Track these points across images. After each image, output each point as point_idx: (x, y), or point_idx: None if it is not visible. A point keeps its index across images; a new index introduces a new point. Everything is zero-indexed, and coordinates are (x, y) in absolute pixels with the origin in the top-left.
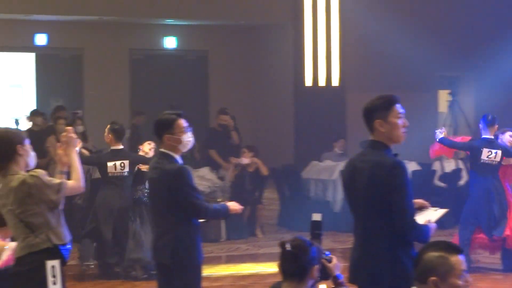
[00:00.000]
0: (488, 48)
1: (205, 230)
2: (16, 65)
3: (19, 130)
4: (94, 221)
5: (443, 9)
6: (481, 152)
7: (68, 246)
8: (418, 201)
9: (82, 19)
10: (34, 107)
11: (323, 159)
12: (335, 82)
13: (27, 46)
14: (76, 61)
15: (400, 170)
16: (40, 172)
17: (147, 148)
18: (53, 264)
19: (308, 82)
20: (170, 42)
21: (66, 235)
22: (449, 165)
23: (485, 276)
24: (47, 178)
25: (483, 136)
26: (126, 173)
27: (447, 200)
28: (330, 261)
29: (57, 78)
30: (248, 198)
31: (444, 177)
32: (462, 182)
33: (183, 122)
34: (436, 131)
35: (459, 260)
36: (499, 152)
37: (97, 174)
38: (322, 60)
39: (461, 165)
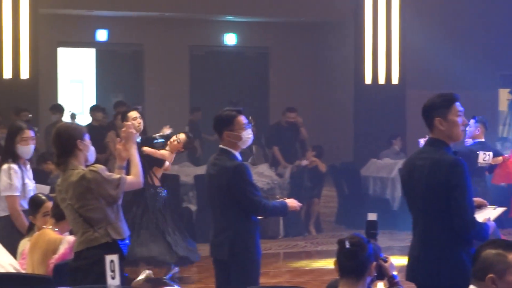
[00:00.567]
0: None
1: (263, 227)
2: (77, 61)
3: (80, 125)
4: None
5: (503, 7)
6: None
7: (127, 241)
8: (477, 199)
9: (142, 15)
10: (94, 103)
11: (381, 156)
12: (395, 80)
13: (88, 41)
14: (136, 57)
15: (460, 168)
16: (100, 167)
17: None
18: (112, 259)
19: (368, 79)
20: (230, 39)
21: (125, 230)
22: None
23: None
24: (106, 173)
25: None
26: None
27: (506, 199)
28: (385, 261)
29: (117, 74)
30: (307, 195)
31: None
32: None
33: (243, 119)
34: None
35: None
36: (491, 154)
37: None
38: (382, 58)
39: None
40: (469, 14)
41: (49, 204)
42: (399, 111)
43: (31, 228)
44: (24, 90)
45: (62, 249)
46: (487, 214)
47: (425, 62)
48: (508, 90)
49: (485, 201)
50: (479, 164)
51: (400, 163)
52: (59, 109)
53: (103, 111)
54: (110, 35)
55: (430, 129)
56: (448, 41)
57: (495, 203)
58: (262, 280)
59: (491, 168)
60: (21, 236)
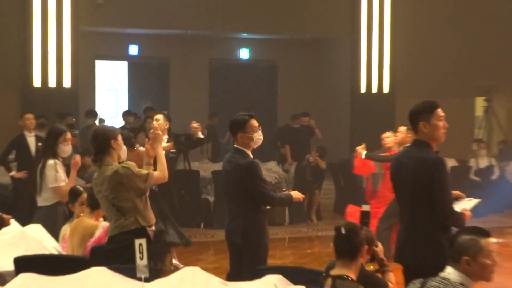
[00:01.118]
0: None
1: (271, 215)
2: (111, 72)
3: (114, 127)
4: None
5: (480, 27)
6: None
7: (153, 228)
8: (456, 192)
9: (168, 32)
10: (127, 108)
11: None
12: (386, 89)
13: (121, 55)
14: (163, 69)
15: (441, 165)
16: (131, 163)
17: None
18: (140, 242)
19: (363, 89)
20: (244, 53)
21: (152, 218)
22: (483, 162)
23: None
24: (136, 169)
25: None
26: None
27: (480, 192)
28: (377, 246)
29: (147, 83)
30: (309, 188)
31: (479, 172)
32: (494, 176)
33: (254, 122)
34: (358, 148)
35: (488, 242)
36: None
37: None
38: (375, 70)
39: (493, 162)
40: (451, 32)
41: (85, 195)
42: (390, 116)
43: (70, 215)
44: (66, 97)
45: (97, 233)
46: (464, 205)
47: (412, 73)
48: (483, 98)
49: (463, 194)
50: None
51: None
52: (93, 114)
53: (134, 115)
54: (140, 49)
55: (415, 131)
56: (432, 55)
57: None
58: (270, 261)
59: None
60: (62, 223)
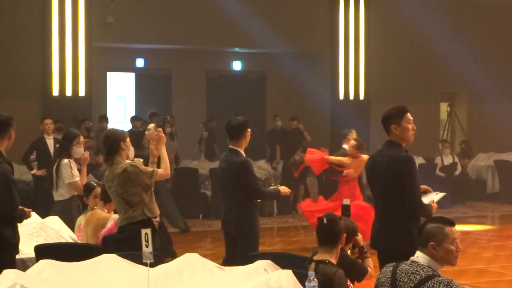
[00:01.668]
0: (478, 70)
1: (261, 207)
2: (121, 82)
3: (123, 130)
4: None
5: (445, 40)
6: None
7: (158, 219)
8: (424, 186)
9: (171, 47)
10: (134, 114)
11: None
12: (362, 96)
13: (129, 67)
14: (166, 79)
15: (410, 162)
16: (138, 162)
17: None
18: (146, 232)
19: (341, 96)
20: (237, 65)
21: (156, 210)
22: (447, 160)
23: None
24: (143, 167)
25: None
26: None
27: (445, 186)
28: (357, 235)
29: (152, 92)
30: (294, 183)
31: (443, 168)
32: (457, 172)
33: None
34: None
35: (452, 230)
36: None
37: None
38: (352, 79)
39: (456, 159)
40: (418, 45)
41: (98, 189)
42: (365, 119)
43: (84, 208)
44: (81, 104)
45: (109, 224)
46: (431, 198)
47: (385, 82)
48: (447, 103)
49: (430, 188)
50: None
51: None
52: (105, 119)
53: (140, 120)
54: (146, 62)
55: (387, 133)
56: (402, 66)
57: None
58: (260, 248)
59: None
60: (77, 215)
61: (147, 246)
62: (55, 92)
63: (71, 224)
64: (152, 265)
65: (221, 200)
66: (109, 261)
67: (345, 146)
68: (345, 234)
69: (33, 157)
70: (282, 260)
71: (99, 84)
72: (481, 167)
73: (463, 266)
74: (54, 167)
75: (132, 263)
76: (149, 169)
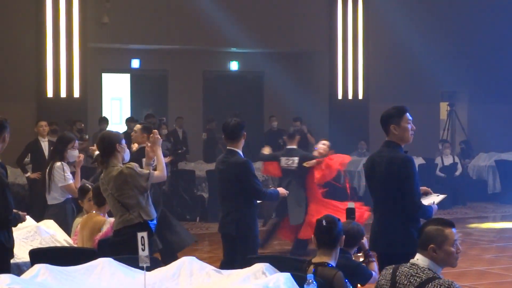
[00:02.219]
0: (479, 69)
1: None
2: (116, 83)
3: (118, 132)
4: None
5: (445, 40)
6: (280, 160)
7: (154, 222)
8: (424, 188)
9: (166, 47)
10: (130, 115)
11: (352, 155)
12: (360, 95)
13: (124, 68)
14: (162, 80)
15: (410, 163)
16: (134, 164)
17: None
18: (142, 235)
19: (340, 96)
20: (234, 65)
21: (153, 213)
22: (448, 160)
23: None
24: (139, 169)
25: (286, 147)
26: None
27: (445, 187)
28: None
29: (147, 93)
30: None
31: (444, 169)
32: (457, 173)
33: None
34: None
35: (452, 232)
36: (296, 159)
37: None
38: (350, 78)
39: (457, 159)
40: (418, 44)
41: None
42: (364, 119)
43: (79, 211)
44: (76, 106)
45: (105, 228)
46: (431, 199)
47: (384, 81)
48: (447, 103)
49: (430, 189)
50: (282, 167)
51: (364, 159)
52: (105, 121)
53: (136, 122)
54: (141, 63)
55: (386, 133)
56: (401, 65)
57: None
58: (258, 251)
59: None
60: (72, 218)
61: (143, 250)
62: (50, 93)
63: (65, 228)
64: (149, 268)
65: (220, 202)
66: (105, 265)
67: (316, 148)
68: (343, 236)
69: (27, 159)
70: (280, 263)
71: (94, 86)
72: (481, 167)
73: (463, 268)
74: (47, 169)
75: (128, 267)
76: (145, 171)
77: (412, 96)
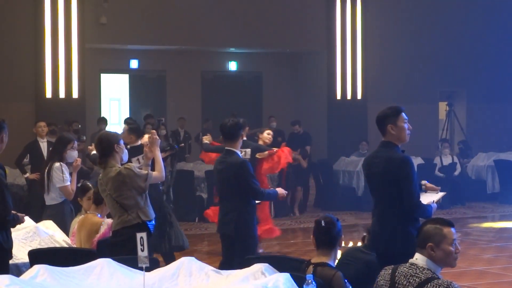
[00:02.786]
0: (478, 69)
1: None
2: (114, 84)
3: (116, 132)
4: None
5: (443, 40)
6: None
7: (153, 222)
8: (430, 185)
9: (165, 48)
10: (128, 115)
11: (350, 155)
12: (359, 96)
13: (123, 69)
14: (161, 80)
15: (407, 163)
16: (132, 165)
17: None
18: (141, 236)
19: (338, 96)
20: (232, 66)
21: (152, 213)
22: (447, 160)
23: None
24: (137, 169)
25: None
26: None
27: (444, 187)
28: None
29: (146, 93)
30: (292, 185)
31: (443, 169)
32: (456, 173)
33: (247, 129)
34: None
35: (450, 231)
36: (249, 150)
37: None
38: (349, 79)
39: (456, 159)
40: (416, 44)
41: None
42: (362, 119)
43: (78, 211)
44: (75, 106)
45: (102, 229)
46: (430, 198)
47: (382, 82)
48: (446, 103)
49: (438, 187)
50: None
51: (363, 159)
52: (104, 121)
53: (134, 122)
54: (140, 63)
55: (383, 134)
56: (400, 65)
57: None
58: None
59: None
60: (70, 219)
61: (142, 250)
62: (48, 94)
63: (64, 228)
64: (148, 269)
65: (218, 202)
66: (104, 266)
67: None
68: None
69: (26, 160)
70: (279, 263)
71: (92, 86)
72: (480, 167)
73: (462, 268)
74: (46, 170)
75: (127, 268)
76: (144, 171)
77: (411, 96)
